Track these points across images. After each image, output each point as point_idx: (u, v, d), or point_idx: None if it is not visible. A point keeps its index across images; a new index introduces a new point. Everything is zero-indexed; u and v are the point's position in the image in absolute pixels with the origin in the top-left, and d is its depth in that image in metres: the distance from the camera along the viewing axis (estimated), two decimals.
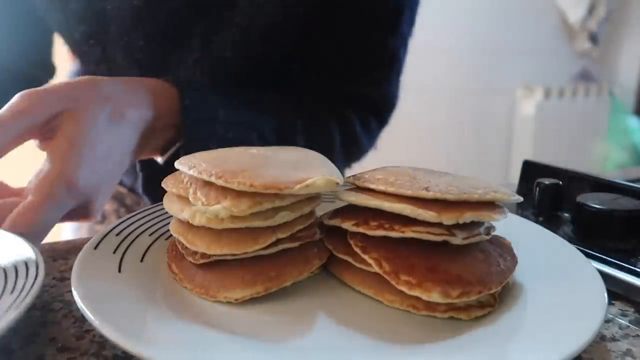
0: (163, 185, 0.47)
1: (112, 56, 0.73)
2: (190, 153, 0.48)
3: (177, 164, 0.46)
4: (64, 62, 0.88)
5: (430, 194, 0.42)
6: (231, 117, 0.64)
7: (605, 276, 0.46)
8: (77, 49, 0.62)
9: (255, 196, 0.42)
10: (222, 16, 0.71)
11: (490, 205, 0.44)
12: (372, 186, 0.44)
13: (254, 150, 0.48)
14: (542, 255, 0.49)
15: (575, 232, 0.59)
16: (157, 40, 0.73)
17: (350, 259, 0.45)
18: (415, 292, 0.40)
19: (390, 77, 0.78)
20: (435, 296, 0.40)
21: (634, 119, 3.19)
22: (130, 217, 0.54)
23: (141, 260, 0.47)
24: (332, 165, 0.47)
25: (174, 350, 0.35)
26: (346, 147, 0.78)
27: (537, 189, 0.66)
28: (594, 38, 3.06)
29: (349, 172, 0.74)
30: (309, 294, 0.45)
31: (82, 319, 0.43)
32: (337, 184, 0.44)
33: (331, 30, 0.74)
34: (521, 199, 0.45)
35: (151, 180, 0.67)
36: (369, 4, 0.72)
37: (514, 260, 0.46)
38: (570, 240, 0.51)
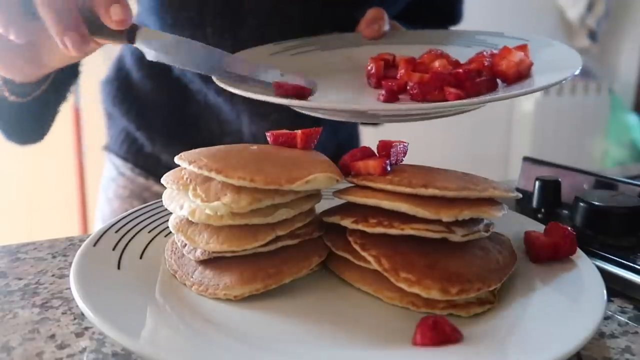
0: (163, 181, 0.47)
1: (243, 49, 0.74)
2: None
3: (177, 160, 0.46)
4: None
5: (429, 191, 0.42)
6: None
7: (604, 273, 0.46)
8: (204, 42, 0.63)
9: (255, 193, 0.42)
10: (351, 10, 0.74)
11: (489, 202, 0.44)
12: (371, 184, 0.44)
13: (255, 147, 0.49)
14: None
15: (575, 229, 0.59)
16: (290, 33, 0.74)
17: (349, 256, 0.45)
18: (415, 289, 0.40)
19: None
20: (434, 293, 0.40)
21: (633, 116, 3.19)
22: (129, 214, 0.54)
23: (140, 257, 0.47)
24: (332, 163, 0.47)
25: (173, 348, 0.35)
26: None
27: (536, 185, 0.66)
28: (593, 35, 3.06)
29: None
30: (308, 291, 0.45)
31: (82, 316, 0.43)
32: (337, 180, 0.44)
33: None
34: (520, 195, 0.45)
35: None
36: None
37: (513, 257, 0.46)
38: None
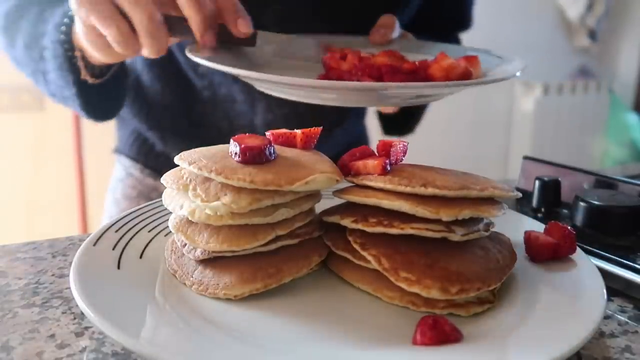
0: (162, 181, 0.47)
1: None
2: None
3: (177, 160, 0.46)
4: None
5: (429, 191, 0.42)
6: None
7: (604, 272, 0.46)
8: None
9: (254, 193, 0.42)
10: (370, 5, 0.79)
11: (489, 201, 0.44)
12: (370, 183, 0.44)
13: None
14: None
15: (574, 228, 0.59)
16: (310, 23, 0.77)
17: (349, 256, 0.45)
18: (415, 289, 0.40)
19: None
20: (434, 293, 0.40)
21: (633, 115, 3.19)
22: (129, 214, 0.54)
23: (140, 257, 0.47)
24: (332, 163, 0.47)
25: (173, 347, 0.35)
26: None
27: (536, 185, 0.66)
28: (593, 34, 3.06)
29: None
30: (308, 290, 0.45)
31: (82, 315, 0.43)
32: (337, 181, 0.44)
33: None
34: (520, 195, 0.45)
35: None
36: None
37: (512, 257, 0.46)
38: None
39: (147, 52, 0.59)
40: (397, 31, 0.73)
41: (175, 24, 0.59)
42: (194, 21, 0.58)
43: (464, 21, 0.99)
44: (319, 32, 0.74)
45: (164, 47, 0.59)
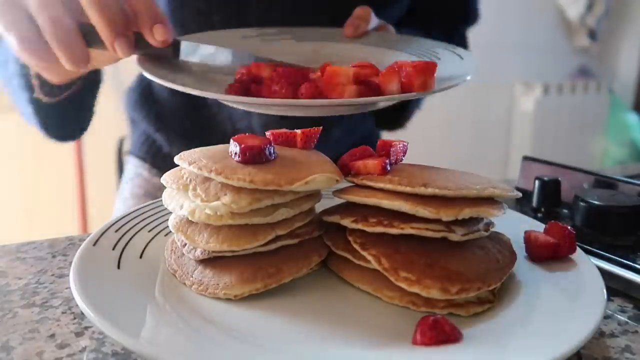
0: (162, 181, 0.47)
1: None
2: None
3: (177, 160, 0.46)
4: None
5: (428, 191, 0.42)
6: None
7: (604, 272, 0.46)
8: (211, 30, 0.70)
9: (254, 193, 0.42)
10: (350, 3, 0.76)
11: (489, 201, 0.44)
12: (370, 183, 0.44)
13: None
14: None
15: (574, 228, 0.59)
16: (291, 21, 0.76)
17: (349, 256, 0.45)
18: (415, 289, 0.40)
19: None
20: (434, 292, 0.40)
21: (632, 115, 3.19)
22: (129, 214, 0.54)
23: (140, 257, 0.47)
24: (332, 163, 0.47)
25: (173, 347, 0.35)
26: None
27: (536, 185, 0.66)
28: (593, 34, 3.06)
29: None
30: (307, 290, 0.45)
31: (82, 315, 0.43)
32: (337, 181, 0.44)
33: None
34: (520, 194, 0.45)
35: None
36: None
37: (512, 257, 0.46)
38: None
39: (63, 62, 0.54)
40: (373, 23, 0.71)
41: (89, 32, 0.54)
42: (99, 28, 0.52)
43: (467, 15, 0.97)
44: (300, 24, 0.73)
45: (80, 57, 0.54)
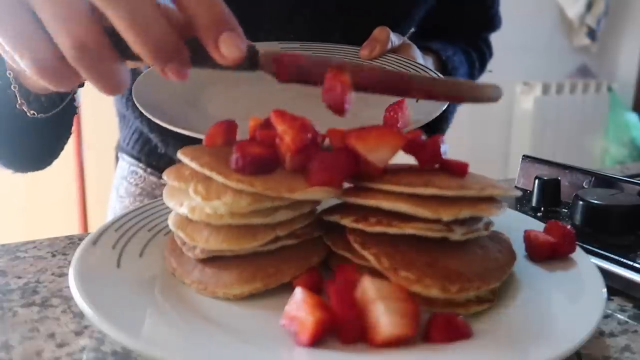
0: (164, 176, 0.47)
1: None
2: None
3: (179, 154, 0.45)
4: None
5: (428, 191, 0.42)
6: None
7: (603, 272, 0.46)
8: None
9: (255, 194, 0.41)
10: (362, 8, 0.77)
11: (489, 200, 0.44)
12: (370, 184, 0.44)
13: None
14: None
15: (574, 227, 0.59)
16: (305, 37, 0.76)
17: (349, 255, 0.45)
18: (415, 288, 0.40)
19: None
20: (434, 292, 0.40)
21: (632, 114, 3.19)
22: (129, 213, 0.54)
23: (140, 256, 0.47)
24: None
25: (172, 346, 0.35)
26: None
27: (536, 184, 0.66)
28: (592, 34, 3.06)
29: None
30: None
31: (81, 314, 0.43)
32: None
33: None
34: (520, 194, 0.45)
35: None
36: None
37: (512, 256, 0.46)
38: None
39: (98, 89, 0.41)
40: (390, 44, 0.70)
41: (121, 41, 0.39)
42: (142, 55, 0.39)
43: (488, 22, 0.97)
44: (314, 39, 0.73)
45: (120, 83, 0.41)
